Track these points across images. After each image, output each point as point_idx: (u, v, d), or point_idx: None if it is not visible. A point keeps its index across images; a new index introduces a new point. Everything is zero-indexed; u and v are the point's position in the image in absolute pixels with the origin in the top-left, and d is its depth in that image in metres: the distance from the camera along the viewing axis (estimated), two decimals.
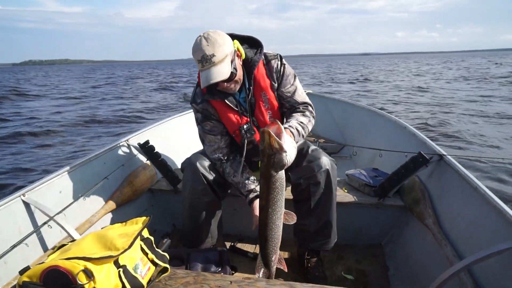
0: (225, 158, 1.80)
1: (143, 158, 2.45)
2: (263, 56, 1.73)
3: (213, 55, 1.47)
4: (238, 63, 1.62)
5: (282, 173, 1.31)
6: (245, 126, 1.75)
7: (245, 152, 1.74)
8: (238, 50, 1.63)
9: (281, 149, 1.24)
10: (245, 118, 1.76)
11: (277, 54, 1.77)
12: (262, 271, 1.47)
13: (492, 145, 6.18)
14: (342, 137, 3.98)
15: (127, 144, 2.45)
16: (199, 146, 1.92)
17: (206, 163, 1.80)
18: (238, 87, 1.67)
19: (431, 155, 1.95)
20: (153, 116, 10.77)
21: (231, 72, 1.54)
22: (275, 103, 1.77)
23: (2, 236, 1.46)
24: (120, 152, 2.36)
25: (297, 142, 1.56)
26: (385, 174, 2.22)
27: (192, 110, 3.82)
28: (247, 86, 1.71)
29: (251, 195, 1.74)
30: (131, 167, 2.37)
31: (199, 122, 1.84)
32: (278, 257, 1.46)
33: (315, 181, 1.72)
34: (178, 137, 3.17)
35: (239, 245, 2.20)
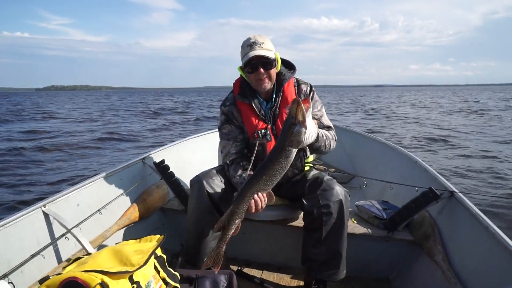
0: (231, 163, 1.90)
1: (157, 177, 2.51)
2: (295, 79, 1.95)
3: (263, 43, 1.78)
4: (274, 70, 1.84)
5: (292, 155, 1.39)
6: (263, 131, 1.88)
7: (255, 151, 1.83)
8: (277, 61, 1.84)
9: (303, 122, 1.32)
10: (265, 124, 1.89)
11: (308, 82, 1.98)
12: (220, 229, 1.47)
13: (505, 183, 6.09)
14: (353, 167, 4.00)
15: (143, 162, 2.52)
16: (212, 167, 1.99)
17: (213, 181, 1.87)
18: (269, 85, 1.85)
19: (442, 191, 1.96)
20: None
21: (273, 59, 1.79)
22: None
23: (22, 245, 1.51)
24: (136, 169, 2.43)
25: (318, 147, 1.75)
26: (395, 207, 2.22)
27: (205, 133, 3.92)
28: (274, 96, 1.89)
29: None
30: (145, 185, 2.43)
31: (220, 127, 1.99)
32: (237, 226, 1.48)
33: (328, 211, 1.76)
34: (192, 158, 3.24)
35: (246, 270, 2.20)
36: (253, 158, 1.81)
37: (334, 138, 1.93)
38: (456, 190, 1.97)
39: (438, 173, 2.34)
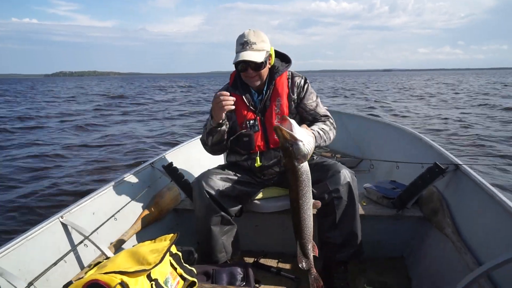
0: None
1: (167, 179, 2.56)
2: (289, 72, 2.00)
3: (255, 43, 1.80)
4: (265, 69, 1.89)
5: (306, 166, 1.43)
6: (251, 121, 1.95)
7: (235, 136, 1.96)
8: (271, 56, 1.90)
9: (295, 139, 1.35)
10: (254, 115, 1.96)
11: (303, 75, 2.02)
12: (303, 261, 1.53)
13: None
14: (359, 151, 4.01)
15: (152, 167, 2.59)
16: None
17: (212, 180, 1.92)
18: (259, 82, 1.91)
19: (447, 165, 1.98)
20: None
21: (262, 62, 1.81)
22: (286, 110, 1.96)
23: (44, 255, 1.58)
24: (146, 174, 2.49)
25: (319, 145, 1.76)
26: (403, 186, 2.24)
27: None
28: (265, 88, 1.95)
29: None
30: (157, 188, 2.49)
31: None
32: (312, 245, 1.55)
33: (338, 195, 1.81)
34: (200, 157, 3.29)
35: (262, 261, 2.25)
36: (228, 144, 1.98)
37: (331, 127, 1.96)
38: (461, 163, 1.98)
39: (443, 147, 2.35)
